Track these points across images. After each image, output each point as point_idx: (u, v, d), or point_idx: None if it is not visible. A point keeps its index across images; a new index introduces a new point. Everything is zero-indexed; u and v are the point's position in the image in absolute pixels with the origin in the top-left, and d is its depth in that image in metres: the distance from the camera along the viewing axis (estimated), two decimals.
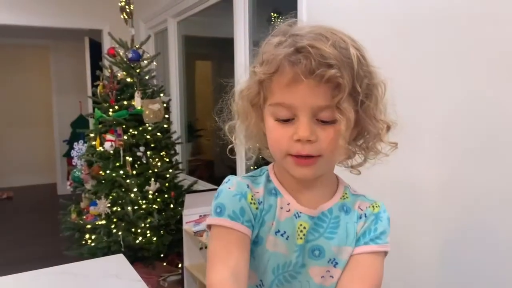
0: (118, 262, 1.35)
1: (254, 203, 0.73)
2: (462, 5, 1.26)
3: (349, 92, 0.63)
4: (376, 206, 0.76)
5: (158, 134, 3.07)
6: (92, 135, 3.07)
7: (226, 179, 0.76)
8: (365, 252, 0.72)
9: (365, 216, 0.75)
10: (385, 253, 0.73)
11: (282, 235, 0.72)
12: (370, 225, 0.74)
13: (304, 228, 0.72)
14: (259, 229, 0.73)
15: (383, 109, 0.70)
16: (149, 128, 3.02)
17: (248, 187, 0.74)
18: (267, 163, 0.82)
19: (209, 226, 0.72)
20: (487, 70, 1.21)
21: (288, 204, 0.74)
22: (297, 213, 0.73)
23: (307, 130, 0.64)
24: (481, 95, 1.23)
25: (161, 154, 3.13)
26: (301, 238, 0.72)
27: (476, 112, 1.25)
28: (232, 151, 0.78)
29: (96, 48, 4.71)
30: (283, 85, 0.65)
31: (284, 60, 0.64)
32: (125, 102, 2.99)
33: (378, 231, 0.73)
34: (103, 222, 2.82)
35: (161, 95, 3.23)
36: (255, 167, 0.82)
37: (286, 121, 0.67)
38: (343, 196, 0.77)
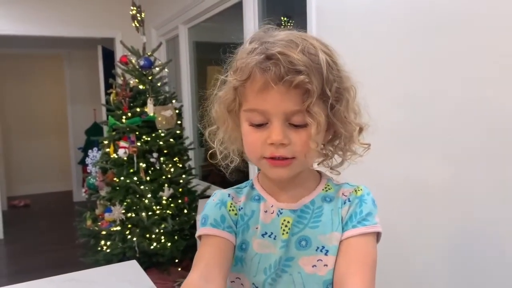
0: (131, 268, 1.36)
1: (233, 210, 0.78)
2: (473, 7, 1.25)
3: (319, 97, 0.65)
4: (359, 190, 0.77)
5: (171, 140, 3.09)
6: (106, 142, 3.11)
7: (213, 194, 0.82)
8: (354, 235, 0.72)
9: (349, 201, 0.76)
10: (377, 234, 0.74)
11: (269, 236, 0.75)
12: (355, 208, 0.75)
13: (288, 222, 0.75)
14: (244, 234, 0.77)
15: (357, 111, 0.72)
16: (162, 135, 3.04)
17: (229, 196, 0.80)
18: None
19: (200, 237, 0.77)
20: (492, 71, 1.20)
21: (272, 206, 0.77)
22: (279, 210, 0.76)
23: (280, 134, 0.66)
24: (485, 96, 1.22)
25: (174, 160, 3.15)
26: (286, 233, 0.74)
27: (481, 113, 1.24)
28: (213, 156, 0.81)
29: (108, 56, 4.77)
30: (255, 91, 0.67)
31: (255, 68, 0.66)
32: (138, 109, 3.02)
33: (363, 213, 0.74)
34: (118, 228, 2.85)
35: (173, 101, 3.26)
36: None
37: (260, 125, 0.69)
38: (325, 188, 0.78)
